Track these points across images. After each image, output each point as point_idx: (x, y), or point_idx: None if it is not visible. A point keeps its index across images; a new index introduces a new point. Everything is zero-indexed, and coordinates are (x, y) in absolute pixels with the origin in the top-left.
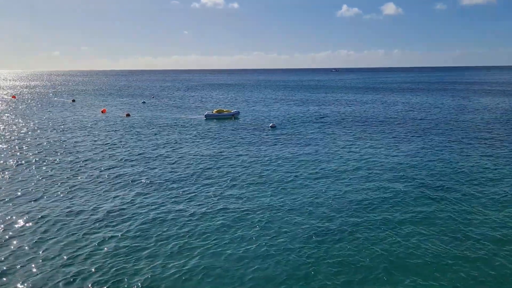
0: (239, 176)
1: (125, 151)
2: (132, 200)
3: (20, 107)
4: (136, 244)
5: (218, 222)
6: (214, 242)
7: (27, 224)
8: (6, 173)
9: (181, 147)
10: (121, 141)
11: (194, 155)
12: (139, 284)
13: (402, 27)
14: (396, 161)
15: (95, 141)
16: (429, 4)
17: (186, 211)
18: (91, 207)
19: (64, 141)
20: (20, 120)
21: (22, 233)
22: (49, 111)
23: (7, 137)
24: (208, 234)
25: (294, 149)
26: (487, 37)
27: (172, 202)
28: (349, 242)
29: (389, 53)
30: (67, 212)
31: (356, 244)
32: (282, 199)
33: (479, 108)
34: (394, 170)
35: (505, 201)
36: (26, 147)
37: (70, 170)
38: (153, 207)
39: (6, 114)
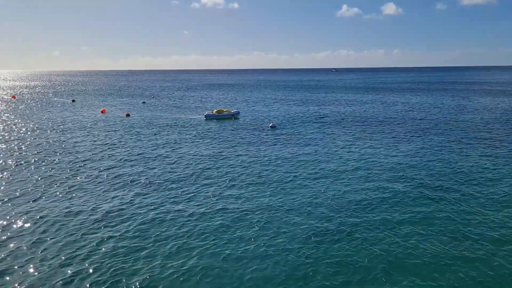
0: (238, 176)
1: (124, 151)
2: (131, 200)
3: (20, 107)
4: (135, 244)
5: (217, 222)
6: (212, 242)
7: (26, 224)
8: (5, 173)
9: (180, 147)
10: (120, 141)
11: (194, 155)
12: (138, 284)
13: (402, 27)
14: (395, 161)
15: (95, 141)
16: (429, 4)
17: (185, 211)
18: (90, 207)
19: (64, 141)
20: (19, 120)
21: (21, 233)
22: (49, 111)
23: (7, 137)
24: (207, 234)
25: (293, 149)
26: (487, 37)
27: (171, 202)
28: (348, 243)
29: (389, 53)
30: (66, 213)
31: (355, 244)
32: (281, 199)
33: (478, 108)
34: (393, 170)
35: (504, 201)
36: (26, 147)
37: (69, 170)
38: (152, 207)
39: (6, 115)
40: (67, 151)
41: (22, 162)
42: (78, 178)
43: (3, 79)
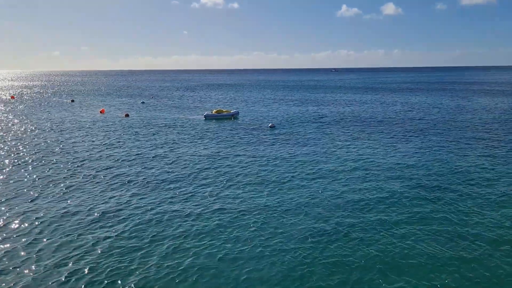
0: (236, 176)
1: (123, 152)
2: (128, 200)
3: (19, 107)
4: (131, 245)
5: (214, 223)
6: (209, 242)
7: (22, 225)
8: (3, 173)
9: (179, 148)
10: (119, 142)
11: (192, 155)
12: (134, 284)
13: (402, 27)
14: (393, 161)
15: (93, 141)
16: (429, 4)
17: (182, 211)
18: (87, 208)
19: (62, 141)
20: (18, 121)
21: (17, 233)
22: (48, 111)
23: (5, 137)
24: (204, 235)
25: (292, 149)
26: (487, 37)
27: (168, 202)
28: (345, 243)
29: (389, 53)
30: (62, 213)
31: (352, 245)
32: (278, 200)
33: (477, 108)
34: (392, 170)
35: (502, 201)
36: (24, 147)
37: (67, 170)
38: (149, 207)
39: (5, 115)
40: (65, 151)
41: (20, 162)
42: (76, 178)
43: (2, 79)
